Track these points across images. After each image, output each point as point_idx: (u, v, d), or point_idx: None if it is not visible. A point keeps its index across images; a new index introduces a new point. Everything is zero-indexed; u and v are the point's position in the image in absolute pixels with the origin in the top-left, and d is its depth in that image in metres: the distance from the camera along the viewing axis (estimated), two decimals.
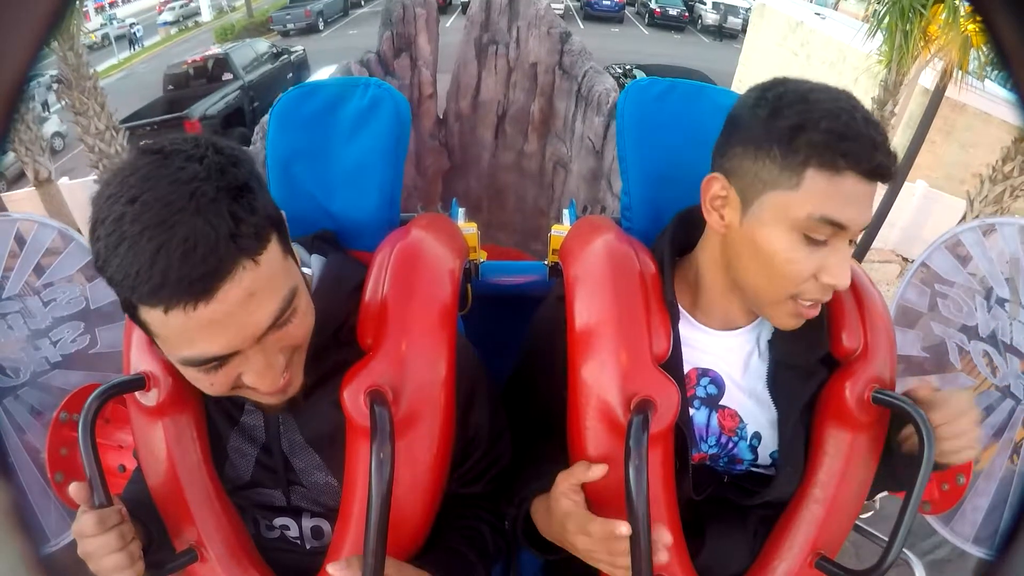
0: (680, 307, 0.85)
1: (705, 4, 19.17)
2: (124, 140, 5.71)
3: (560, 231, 1.34)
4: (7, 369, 1.67)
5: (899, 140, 6.59)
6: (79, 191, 6.71)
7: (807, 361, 0.83)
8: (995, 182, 5.04)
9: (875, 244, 6.44)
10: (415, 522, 0.80)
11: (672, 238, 0.87)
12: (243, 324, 0.61)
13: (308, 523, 0.87)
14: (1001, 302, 1.83)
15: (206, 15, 23.89)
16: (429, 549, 0.83)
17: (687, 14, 19.26)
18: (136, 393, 0.80)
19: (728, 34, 18.23)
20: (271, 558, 0.86)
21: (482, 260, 1.30)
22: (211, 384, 0.66)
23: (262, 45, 12.22)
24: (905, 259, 7.03)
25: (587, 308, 0.82)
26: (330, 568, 0.68)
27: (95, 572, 0.72)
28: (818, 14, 10.70)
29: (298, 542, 0.88)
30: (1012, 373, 1.79)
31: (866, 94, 6.39)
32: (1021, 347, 1.79)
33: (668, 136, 1.00)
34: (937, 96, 5.74)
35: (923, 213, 7.08)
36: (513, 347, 1.04)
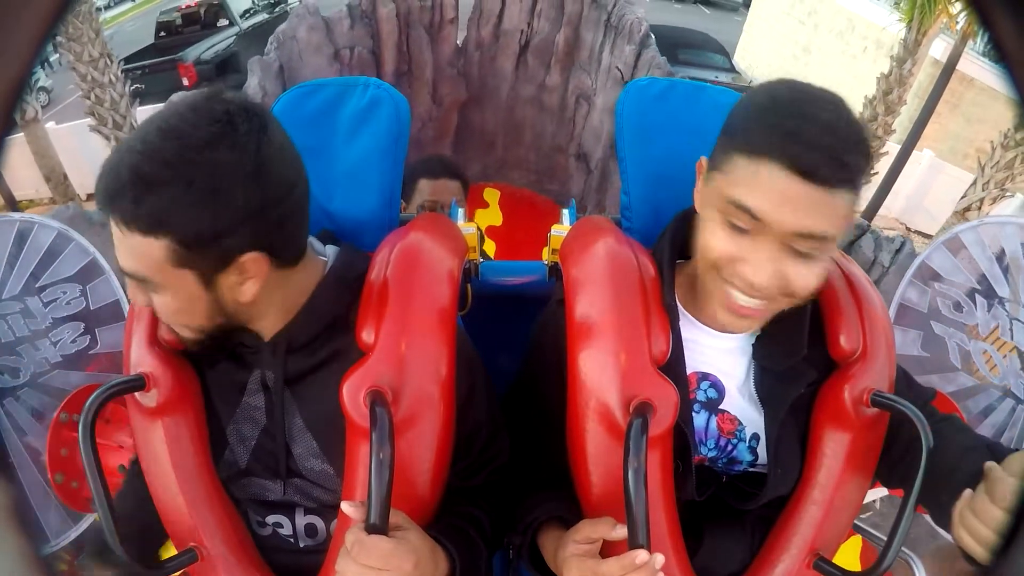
0: (683, 308, 0.85)
1: None
2: (118, 70, 5.44)
3: (560, 231, 1.34)
4: (7, 370, 1.67)
5: (907, 109, 6.58)
6: (65, 136, 6.68)
7: (787, 364, 0.83)
8: (1007, 148, 5.12)
9: (880, 212, 6.50)
10: (415, 520, 0.80)
11: (672, 239, 0.87)
12: (115, 249, 0.72)
13: (302, 520, 0.87)
14: (1001, 301, 1.83)
15: None
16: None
17: None
18: (136, 394, 0.81)
19: (729, 7, 17.99)
20: (264, 557, 0.86)
21: (481, 261, 1.30)
22: None
23: None
24: (908, 228, 7.07)
25: (586, 310, 0.82)
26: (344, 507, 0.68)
27: None
28: None
29: (291, 540, 0.88)
30: (1012, 373, 1.79)
31: (874, 63, 6.33)
32: (1021, 347, 1.79)
33: (668, 136, 1.00)
34: (952, 62, 5.71)
35: (927, 183, 7.13)
36: (513, 347, 1.03)
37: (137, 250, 0.68)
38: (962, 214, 5.41)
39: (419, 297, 0.81)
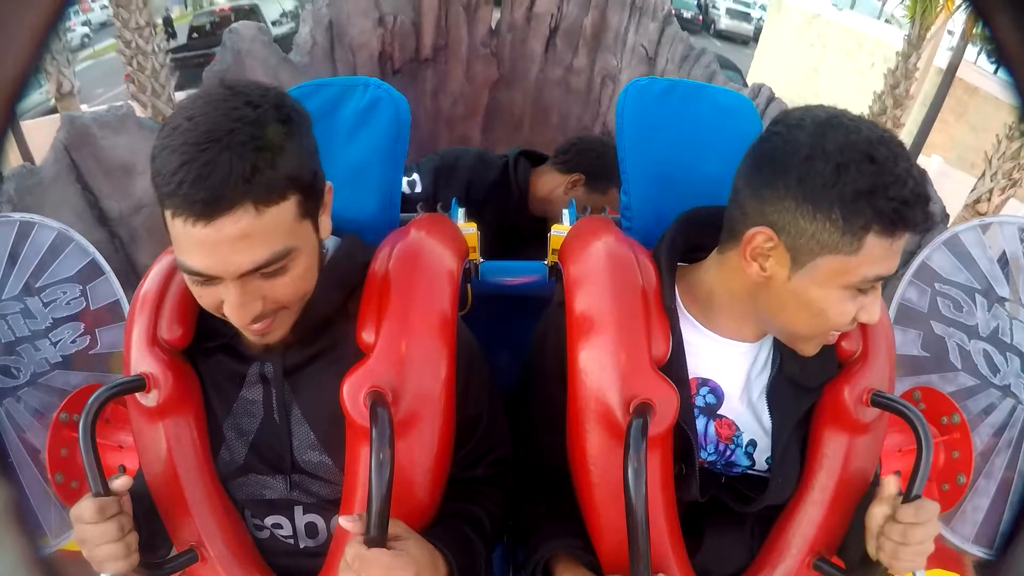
0: (687, 311, 0.85)
1: (718, 9, 19.17)
2: (161, 41, 5.55)
3: (560, 231, 1.34)
4: (7, 369, 1.67)
5: (913, 117, 6.72)
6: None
7: (819, 382, 0.84)
8: (1012, 139, 5.27)
9: None
10: (415, 522, 0.80)
11: (672, 243, 0.86)
12: (228, 258, 0.66)
13: (302, 519, 0.86)
14: (1001, 301, 1.83)
15: None
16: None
17: (701, 18, 19.21)
18: (136, 394, 0.80)
19: (740, 40, 18.27)
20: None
21: (481, 261, 1.30)
22: (199, 297, 0.72)
23: (288, 3, 12.24)
24: None
25: (586, 310, 0.82)
26: (342, 521, 0.69)
27: (89, 559, 0.72)
28: (835, 4, 10.91)
29: (291, 541, 0.87)
30: (1012, 373, 1.79)
31: (881, 77, 6.59)
32: (1021, 346, 1.79)
33: (668, 136, 1.00)
34: (956, 57, 5.81)
35: (937, 187, 7.17)
36: (513, 347, 1.03)
37: (274, 223, 0.67)
38: (972, 207, 5.51)
39: (419, 297, 0.81)
